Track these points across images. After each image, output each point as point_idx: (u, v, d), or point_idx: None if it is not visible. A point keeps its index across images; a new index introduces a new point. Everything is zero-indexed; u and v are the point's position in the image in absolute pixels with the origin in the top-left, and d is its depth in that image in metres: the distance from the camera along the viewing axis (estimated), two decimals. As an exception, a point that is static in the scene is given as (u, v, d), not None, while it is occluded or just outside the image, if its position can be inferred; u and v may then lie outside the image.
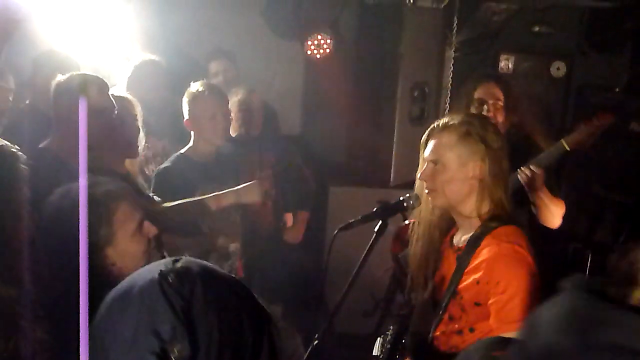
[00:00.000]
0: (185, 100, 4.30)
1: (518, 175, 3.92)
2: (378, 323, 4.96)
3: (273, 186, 4.78)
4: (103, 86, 3.48)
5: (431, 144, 2.84)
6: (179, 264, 1.28)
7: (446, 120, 2.85)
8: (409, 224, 3.43)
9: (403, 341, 2.72)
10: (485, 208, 2.77)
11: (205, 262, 1.35)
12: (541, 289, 2.56)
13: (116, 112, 3.50)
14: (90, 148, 3.01)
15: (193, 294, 1.23)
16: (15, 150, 2.01)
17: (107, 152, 3.46)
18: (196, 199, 3.90)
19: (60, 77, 3.45)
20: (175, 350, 1.18)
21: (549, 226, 4.01)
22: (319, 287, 4.64)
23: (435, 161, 2.79)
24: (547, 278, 2.33)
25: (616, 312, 1.06)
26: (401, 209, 3.03)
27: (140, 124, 3.86)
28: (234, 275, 1.39)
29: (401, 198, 3.01)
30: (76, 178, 2.41)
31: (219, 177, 4.22)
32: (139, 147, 3.87)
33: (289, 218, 5.33)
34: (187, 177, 4.14)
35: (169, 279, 1.24)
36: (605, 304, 1.09)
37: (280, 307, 4.73)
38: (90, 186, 2.21)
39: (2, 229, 1.88)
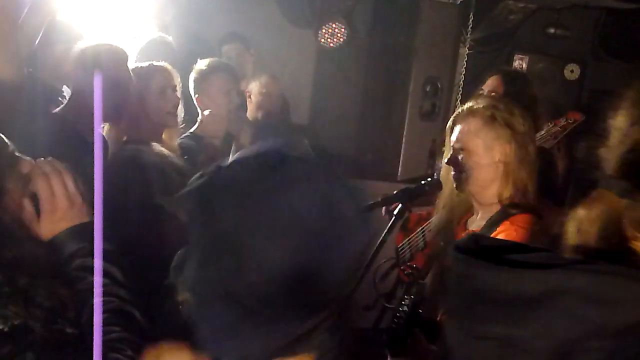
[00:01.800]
0: (193, 77, 4.23)
1: None
2: (378, 317, 4.90)
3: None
4: (120, 56, 3.43)
5: (457, 129, 2.79)
6: None
7: (471, 105, 2.80)
8: (416, 214, 3.40)
9: (420, 312, 2.67)
10: (507, 193, 2.71)
11: None
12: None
13: (134, 82, 3.45)
14: (107, 119, 2.96)
15: None
16: None
17: (138, 123, 3.45)
18: None
19: (78, 46, 3.39)
20: None
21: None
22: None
23: (461, 147, 2.74)
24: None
25: None
26: (422, 194, 2.99)
27: (179, 93, 3.80)
28: None
29: (423, 182, 2.98)
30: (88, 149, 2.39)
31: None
32: (179, 117, 3.81)
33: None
34: (197, 155, 4.08)
35: None
36: None
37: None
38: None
39: None
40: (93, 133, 2.28)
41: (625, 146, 1.01)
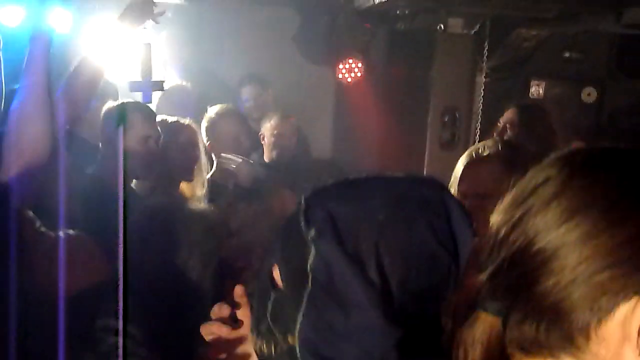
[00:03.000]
0: (204, 125, 4.35)
1: None
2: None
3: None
4: (148, 114, 3.55)
5: (473, 174, 2.65)
6: None
7: (488, 152, 2.67)
8: None
9: None
10: None
11: None
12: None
13: (161, 139, 3.57)
14: (134, 173, 3.07)
15: None
16: None
17: (159, 177, 3.56)
18: None
19: (109, 104, 3.52)
20: None
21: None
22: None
23: (483, 195, 2.47)
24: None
25: None
26: None
27: (201, 149, 3.99)
28: None
29: None
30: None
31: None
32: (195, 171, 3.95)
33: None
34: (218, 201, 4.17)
35: None
36: None
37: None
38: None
39: None
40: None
41: (491, 267, 0.98)
